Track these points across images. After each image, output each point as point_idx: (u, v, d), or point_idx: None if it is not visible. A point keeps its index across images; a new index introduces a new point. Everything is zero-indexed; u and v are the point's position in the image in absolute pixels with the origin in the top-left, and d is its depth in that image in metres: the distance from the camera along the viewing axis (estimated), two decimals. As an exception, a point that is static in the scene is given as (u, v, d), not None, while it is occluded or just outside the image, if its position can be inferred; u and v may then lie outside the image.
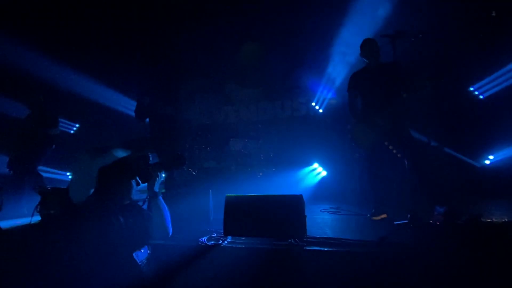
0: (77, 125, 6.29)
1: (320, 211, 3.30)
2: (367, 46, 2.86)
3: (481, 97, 4.31)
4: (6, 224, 2.57)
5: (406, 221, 2.09)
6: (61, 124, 6.04)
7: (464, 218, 2.02)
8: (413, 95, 2.51)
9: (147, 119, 3.68)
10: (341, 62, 4.90)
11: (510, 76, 4.06)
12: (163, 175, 1.55)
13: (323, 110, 5.36)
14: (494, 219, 2.18)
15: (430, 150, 4.07)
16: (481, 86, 4.29)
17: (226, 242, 1.94)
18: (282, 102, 5.77)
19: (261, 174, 4.77)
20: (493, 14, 4.15)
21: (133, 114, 3.72)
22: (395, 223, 2.17)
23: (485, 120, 4.11)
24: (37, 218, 2.20)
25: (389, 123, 2.64)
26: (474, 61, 4.19)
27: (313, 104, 5.45)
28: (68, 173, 5.93)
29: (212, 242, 1.94)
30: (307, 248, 1.75)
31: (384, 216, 2.68)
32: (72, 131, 6.25)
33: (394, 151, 2.78)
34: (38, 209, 2.23)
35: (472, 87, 4.36)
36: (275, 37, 5.63)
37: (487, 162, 4.10)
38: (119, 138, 4.72)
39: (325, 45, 5.03)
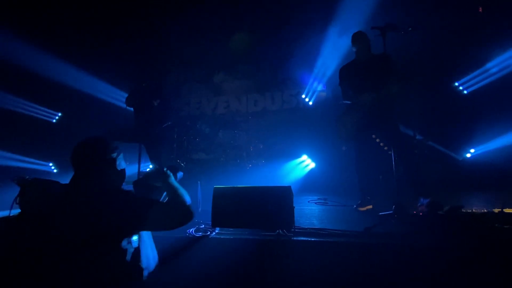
0: (59, 114, 6.06)
1: (308, 202, 3.35)
2: (357, 40, 2.83)
3: (465, 92, 4.42)
4: (-17, 216, 2.46)
5: (391, 212, 2.14)
6: (42, 112, 5.82)
7: (446, 209, 2.09)
8: (401, 89, 2.53)
9: (132, 108, 3.60)
10: (331, 54, 4.90)
11: (494, 72, 4.18)
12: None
13: (313, 103, 5.38)
14: (474, 210, 2.27)
15: (416, 144, 4.17)
16: (466, 81, 4.40)
17: (214, 233, 1.93)
18: (272, 94, 5.75)
19: (250, 165, 4.77)
20: (480, 10, 4.22)
21: (116, 103, 3.63)
22: (380, 213, 2.22)
23: (467, 115, 4.24)
24: (16, 211, 2.11)
25: (374, 104, 2.63)
26: (460, 57, 4.28)
27: (303, 96, 5.46)
28: (50, 164, 5.74)
29: (200, 233, 1.92)
30: (295, 238, 1.77)
31: (369, 207, 2.74)
32: (54, 120, 6.02)
33: (381, 144, 2.83)
34: (17, 201, 2.13)
35: (457, 82, 4.46)
36: (266, 28, 5.56)
37: (468, 155, 4.24)
38: (102, 127, 4.58)
39: (316, 38, 5.01)
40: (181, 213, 1.25)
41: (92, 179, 1.26)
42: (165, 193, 1.41)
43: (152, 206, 1.21)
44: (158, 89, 3.69)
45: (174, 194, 1.31)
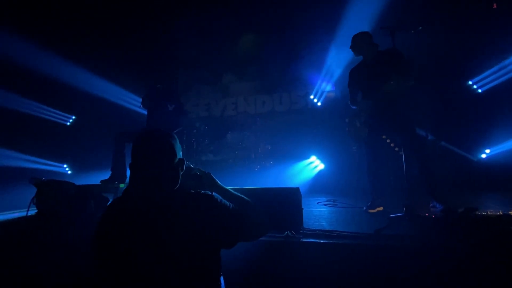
0: (73, 117, 6.24)
1: (317, 203, 3.32)
2: (357, 44, 2.79)
3: (479, 91, 4.30)
4: (1, 217, 2.56)
5: (402, 214, 2.10)
6: (56, 115, 6.00)
7: (460, 211, 2.04)
8: (408, 82, 2.50)
9: (146, 112, 3.65)
10: (340, 55, 4.86)
11: (509, 70, 4.05)
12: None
13: (321, 103, 5.34)
14: (489, 212, 2.20)
15: (428, 144, 4.09)
16: (480, 80, 4.28)
17: (223, 234, 1.94)
18: (281, 95, 5.75)
19: (258, 167, 4.78)
20: (494, 6, 4.11)
21: (128, 106, 3.66)
22: (391, 215, 2.18)
23: (482, 114, 4.12)
24: (33, 211, 2.19)
25: (379, 105, 2.61)
26: (474, 55, 4.17)
27: (312, 97, 5.43)
28: (64, 165, 5.91)
29: (209, 234, 1.94)
30: (304, 240, 1.76)
31: (380, 209, 2.69)
32: (68, 123, 6.20)
33: (392, 145, 2.78)
34: (34, 202, 2.20)
35: (471, 80, 4.35)
36: (274, 29, 5.56)
37: (484, 156, 4.12)
38: (114, 130, 4.68)
39: (324, 38, 4.98)
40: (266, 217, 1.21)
41: (174, 181, 1.13)
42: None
43: (249, 214, 1.14)
44: (173, 93, 3.67)
45: (240, 200, 1.22)
